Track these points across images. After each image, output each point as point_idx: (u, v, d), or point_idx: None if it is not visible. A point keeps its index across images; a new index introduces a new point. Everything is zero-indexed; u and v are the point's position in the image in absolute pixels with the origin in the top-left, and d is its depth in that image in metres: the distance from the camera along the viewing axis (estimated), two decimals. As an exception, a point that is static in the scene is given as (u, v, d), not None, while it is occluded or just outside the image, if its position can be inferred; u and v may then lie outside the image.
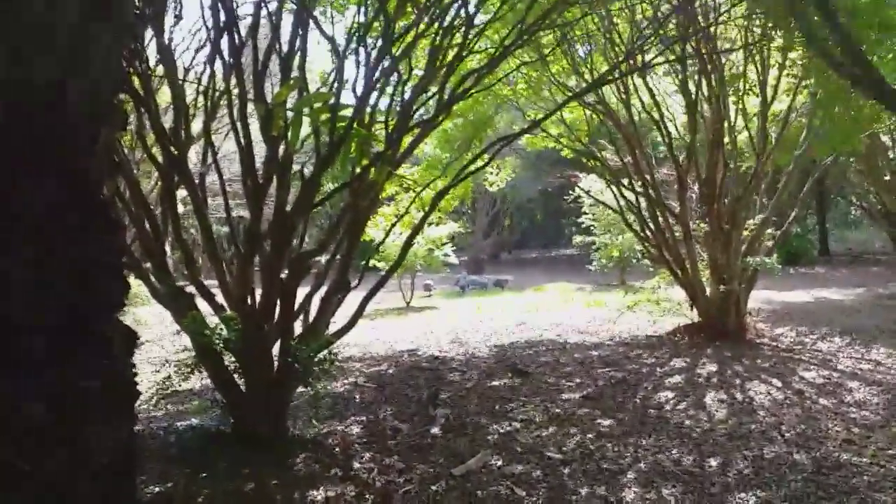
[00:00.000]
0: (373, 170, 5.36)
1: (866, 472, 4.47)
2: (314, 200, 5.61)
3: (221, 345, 5.15)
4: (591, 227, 20.48)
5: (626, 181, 10.32)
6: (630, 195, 10.40)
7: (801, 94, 8.60)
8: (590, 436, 5.43)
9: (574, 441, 5.32)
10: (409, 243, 6.43)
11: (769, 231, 9.51)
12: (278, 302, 5.72)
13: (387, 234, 7.74)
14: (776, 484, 4.34)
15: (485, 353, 9.32)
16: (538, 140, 11.82)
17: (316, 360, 5.76)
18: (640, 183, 9.65)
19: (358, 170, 5.37)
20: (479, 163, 6.37)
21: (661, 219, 9.59)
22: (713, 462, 4.81)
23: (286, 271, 5.80)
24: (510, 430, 5.66)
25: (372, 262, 16.41)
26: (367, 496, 4.33)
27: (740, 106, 8.84)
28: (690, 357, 8.40)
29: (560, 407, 6.35)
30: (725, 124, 8.76)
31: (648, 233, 10.11)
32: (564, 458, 4.93)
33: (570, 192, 20.15)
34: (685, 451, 5.04)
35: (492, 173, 11.35)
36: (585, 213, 20.41)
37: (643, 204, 9.87)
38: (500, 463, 4.89)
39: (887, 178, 14.81)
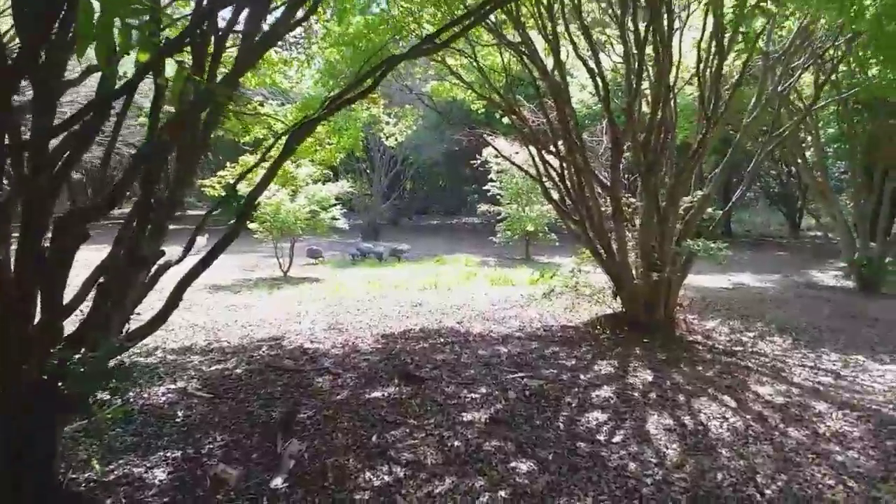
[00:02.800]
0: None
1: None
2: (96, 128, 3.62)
3: None
4: (498, 196, 19.15)
5: (545, 145, 8.84)
6: (551, 161, 8.95)
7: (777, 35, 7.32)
8: (503, 494, 3.85)
9: (481, 504, 3.74)
10: (255, 194, 4.54)
11: (710, 210, 8.33)
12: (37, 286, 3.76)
13: (235, 183, 5.71)
14: None
15: (369, 346, 7.59)
16: (446, 88, 10.07)
17: (101, 372, 3.83)
18: (564, 146, 8.16)
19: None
20: (360, 90, 4.55)
21: (586, 190, 8.16)
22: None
23: (51, 239, 3.83)
24: (388, 483, 3.99)
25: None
26: None
27: (700, 54, 7.44)
28: (617, 359, 7.09)
29: (461, 437, 4.75)
30: (672, 76, 7.39)
31: (570, 205, 8.70)
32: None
33: (478, 156, 18.63)
34: (637, 521, 3.59)
35: (388, 123, 9.54)
36: (492, 181, 19.03)
37: (567, 172, 8.41)
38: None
39: (810, 154, 14.32)
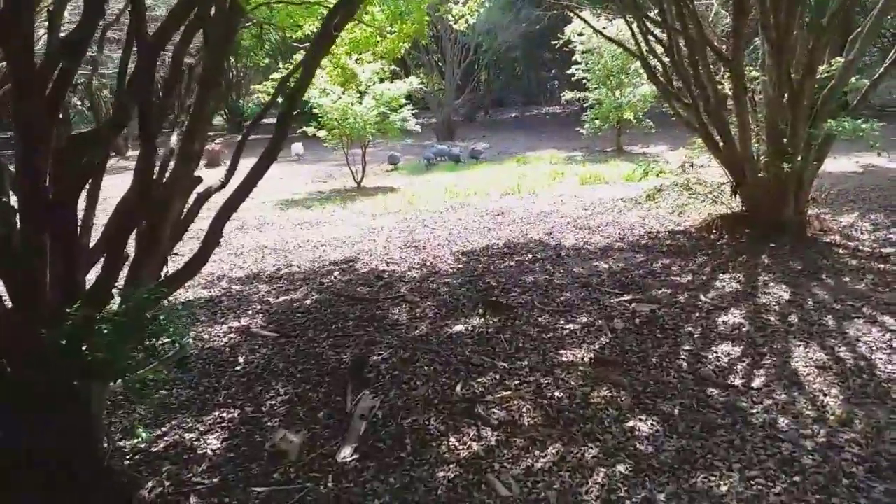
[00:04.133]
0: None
1: None
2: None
3: None
4: (584, 81, 17.45)
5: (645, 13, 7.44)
6: (656, 33, 7.57)
7: None
8: (621, 469, 3.13)
9: (595, 485, 3.03)
10: (296, 93, 3.79)
11: (853, 80, 6.83)
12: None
13: (285, 79, 4.93)
14: None
15: (448, 266, 6.90)
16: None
17: (130, 330, 3.31)
18: (672, 11, 6.78)
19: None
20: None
21: (700, 66, 6.83)
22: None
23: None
24: (477, 453, 3.35)
25: (311, 131, 13.61)
26: None
27: None
28: (743, 271, 6.07)
29: (562, 385, 4.03)
30: None
31: (679, 85, 7.41)
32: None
33: (559, 35, 16.87)
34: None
35: (456, 2, 8.33)
36: (577, 63, 17.29)
37: (675, 44, 7.06)
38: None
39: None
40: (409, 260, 7.29)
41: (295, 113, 4.18)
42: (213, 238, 3.93)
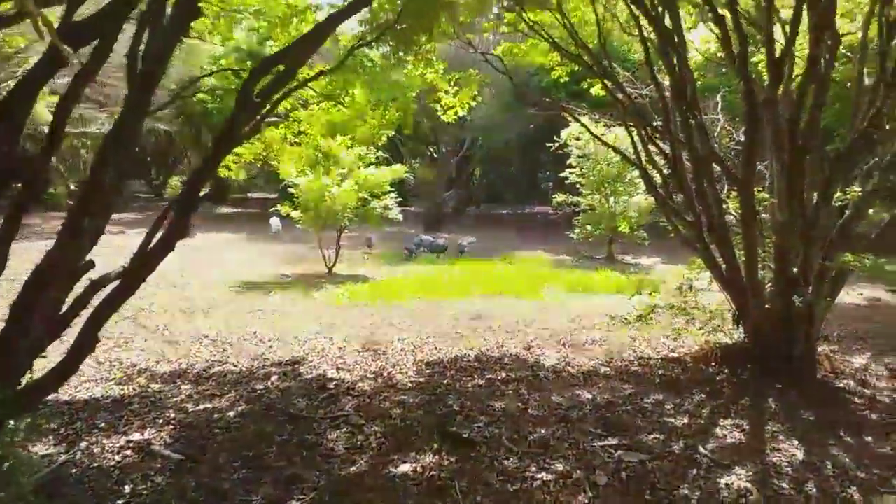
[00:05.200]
0: None
1: None
2: None
3: None
4: (577, 185, 17.21)
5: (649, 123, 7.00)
6: (658, 143, 7.11)
7: None
8: None
9: None
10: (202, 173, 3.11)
11: (874, 209, 6.33)
12: None
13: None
14: None
15: (408, 380, 6.05)
16: (521, 50, 8.31)
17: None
18: (678, 122, 6.31)
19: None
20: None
21: (706, 183, 6.30)
22: None
23: None
24: None
25: (285, 210, 12.99)
26: None
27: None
28: (746, 417, 5.27)
29: (524, 570, 3.12)
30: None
31: (680, 201, 6.88)
32: None
33: (555, 138, 16.75)
34: None
35: (447, 92, 7.92)
36: (571, 167, 17.09)
37: (676, 157, 6.57)
38: None
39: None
40: (363, 366, 6.44)
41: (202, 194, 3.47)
42: (86, 342, 3.14)
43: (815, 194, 6.09)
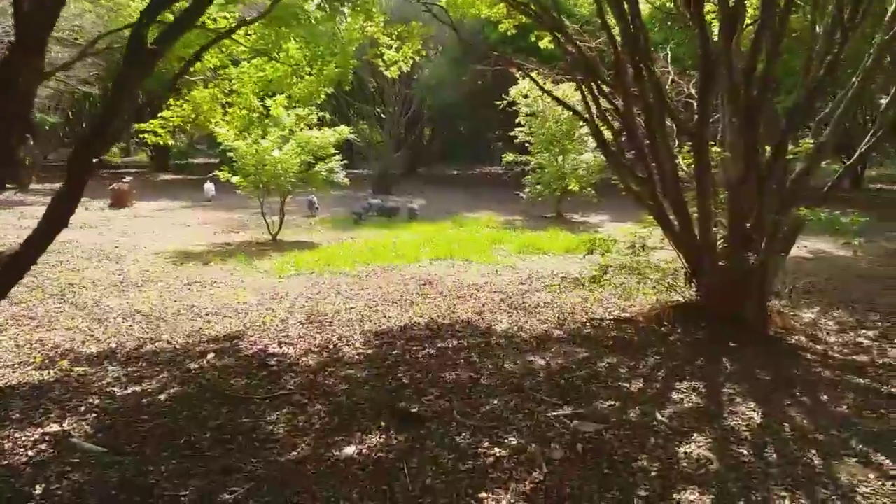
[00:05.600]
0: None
1: None
2: None
3: None
4: (526, 144, 16.95)
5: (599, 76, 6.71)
6: (604, 98, 6.85)
7: None
8: None
9: None
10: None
11: (825, 162, 6.24)
12: None
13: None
14: None
15: (355, 352, 5.77)
16: (459, 1, 7.86)
17: None
18: (630, 73, 6.05)
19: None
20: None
21: (658, 137, 6.10)
22: None
23: None
24: None
25: (224, 176, 12.36)
26: None
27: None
28: (703, 379, 5.17)
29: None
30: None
31: (630, 157, 6.68)
32: None
33: (504, 96, 16.39)
34: None
35: (390, 47, 7.46)
36: (520, 126, 16.81)
37: (625, 110, 6.33)
38: None
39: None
40: (308, 339, 6.11)
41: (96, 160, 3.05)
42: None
43: (769, 148, 5.96)
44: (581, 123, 16.31)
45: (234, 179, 11.81)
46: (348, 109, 26.48)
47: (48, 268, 9.09)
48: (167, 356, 5.61)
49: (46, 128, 21.42)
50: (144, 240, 11.88)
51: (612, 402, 4.67)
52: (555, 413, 4.47)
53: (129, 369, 5.28)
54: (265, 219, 12.18)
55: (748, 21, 6.78)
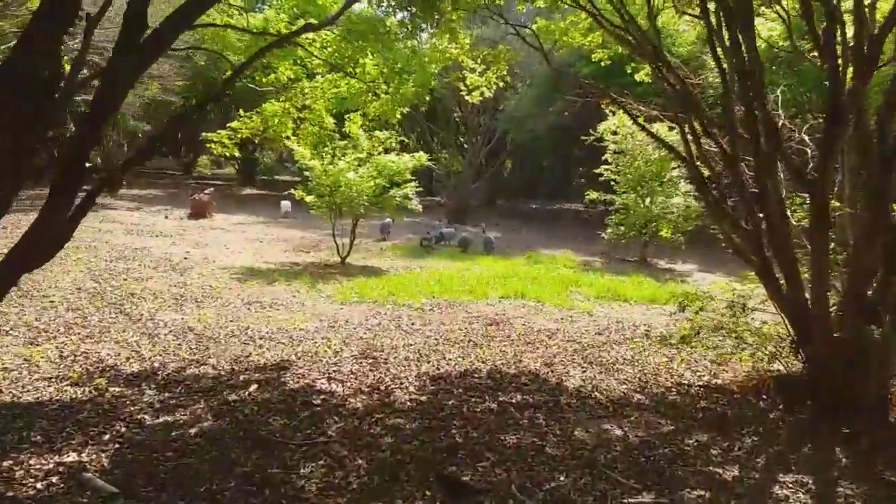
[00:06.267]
0: None
1: None
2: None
3: None
4: (612, 183, 16.16)
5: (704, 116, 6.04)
6: (707, 137, 6.15)
7: None
8: None
9: None
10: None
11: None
12: None
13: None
14: None
15: (407, 397, 5.25)
16: (559, 28, 7.38)
17: None
18: (742, 114, 5.36)
19: None
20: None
21: (769, 183, 5.35)
22: None
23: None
24: None
25: (298, 194, 12.26)
26: None
27: None
28: (812, 470, 4.34)
29: None
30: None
31: (732, 206, 5.94)
32: None
33: (591, 131, 15.74)
34: None
35: (473, 70, 7.06)
36: (607, 163, 16.05)
37: (729, 154, 5.62)
38: None
39: None
40: (359, 377, 5.64)
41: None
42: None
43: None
44: (673, 166, 15.59)
45: (308, 199, 11.66)
46: (431, 138, 26.47)
47: (114, 275, 9.09)
48: (208, 383, 5.25)
49: (140, 134, 22.24)
50: (215, 253, 11.86)
51: (702, 492, 3.93)
52: (632, 500, 3.78)
53: (165, 394, 4.95)
54: (335, 240, 11.95)
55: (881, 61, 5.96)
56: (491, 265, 12.92)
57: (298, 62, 6.35)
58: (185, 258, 11.00)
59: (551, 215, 28.06)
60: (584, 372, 6.21)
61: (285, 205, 18.27)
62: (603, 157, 16.09)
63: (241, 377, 5.47)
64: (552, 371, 6.17)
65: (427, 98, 7.22)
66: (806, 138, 6.22)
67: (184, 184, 25.99)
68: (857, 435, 4.99)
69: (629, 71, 7.97)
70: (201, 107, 3.43)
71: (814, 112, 7.35)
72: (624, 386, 5.89)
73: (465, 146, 25.59)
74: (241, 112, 7.01)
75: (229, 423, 4.49)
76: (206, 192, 18.24)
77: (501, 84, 7.42)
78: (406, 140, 13.15)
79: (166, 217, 16.42)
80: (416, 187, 12.60)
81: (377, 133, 11.66)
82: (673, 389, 5.89)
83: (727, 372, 6.37)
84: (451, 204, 23.97)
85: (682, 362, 6.67)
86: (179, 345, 6.24)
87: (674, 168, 15.01)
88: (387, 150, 12.22)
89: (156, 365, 5.64)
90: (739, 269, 6.55)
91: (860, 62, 4.84)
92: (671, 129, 8.82)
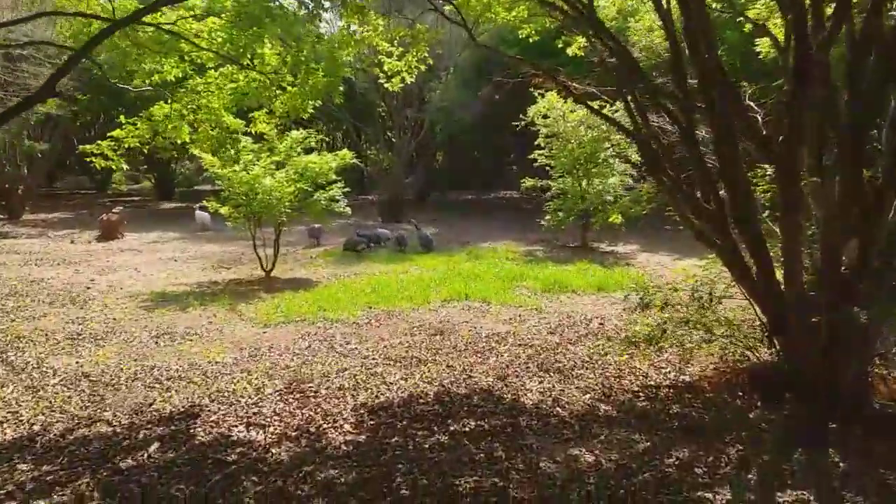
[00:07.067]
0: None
1: None
2: None
3: None
4: (547, 168, 15.68)
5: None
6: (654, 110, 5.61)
7: None
8: None
9: None
10: None
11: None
12: None
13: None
14: None
15: (342, 439, 4.48)
16: (472, 2, 6.64)
17: None
18: (698, 75, 4.80)
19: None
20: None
21: (731, 155, 4.81)
22: None
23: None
24: None
25: (212, 206, 11.22)
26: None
27: None
28: (812, 478, 3.81)
29: None
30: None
31: (687, 185, 5.39)
32: None
33: (521, 116, 15.21)
34: None
35: (390, 54, 6.29)
36: (539, 148, 15.56)
37: (685, 123, 5.07)
38: None
39: None
40: (284, 418, 4.83)
41: None
42: None
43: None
44: (606, 146, 15.23)
45: (223, 210, 10.62)
46: (357, 135, 25.54)
47: (1, 315, 7.94)
48: (99, 447, 4.33)
49: (39, 155, 20.42)
50: (123, 278, 10.70)
51: (697, 528, 3.33)
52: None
53: (43, 469, 4.02)
54: (257, 253, 10.96)
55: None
56: (430, 264, 12.19)
57: (186, 58, 5.44)
58: (89, 287, 9.84)
59: (488, 205, 27.61)
60: (541, 383, 5.57)
61: (202, 216, 16.85)
62: (535, 143, 15.60)
63: (141, 433, 4.57)
64: (506, 385, 5.50)
65: (342, 89, 6.38)
66: (753, 105, 5.74)
67: (96, 203, 24.19)
68: (846, 427, 4.55)
69: (560, 45, 7.34)
70: (20, 109, 2.69)
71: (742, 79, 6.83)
72: (587, 395, 5.28)
73: (394, 141, 24.75)
74: (123, 118, 5.99)
75: (119, 502, 3.62)
76: (115, 210, 16.81)
77: (423, 68, 6.67)
78: (328, 139, 12.23)
79: (72, 242, 15.00)
80: (343, 188, 11.71)
81: (293, 133, 10.74)
82: (640, 394, 5.31)
83: (694, 366, 5.86)
84: (383, 201, 23.09)
85: (644, 359, 6.11)
86: (69, 398, 5.27)
87: (607, 148, 14.65)
88: (308, 151, 11.31)
89: (35, 429, 4.67)
90: (683, 248, 6.02)
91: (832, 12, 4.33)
92: (602, 106, 8.22)
